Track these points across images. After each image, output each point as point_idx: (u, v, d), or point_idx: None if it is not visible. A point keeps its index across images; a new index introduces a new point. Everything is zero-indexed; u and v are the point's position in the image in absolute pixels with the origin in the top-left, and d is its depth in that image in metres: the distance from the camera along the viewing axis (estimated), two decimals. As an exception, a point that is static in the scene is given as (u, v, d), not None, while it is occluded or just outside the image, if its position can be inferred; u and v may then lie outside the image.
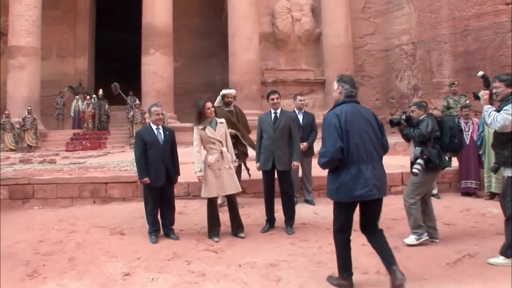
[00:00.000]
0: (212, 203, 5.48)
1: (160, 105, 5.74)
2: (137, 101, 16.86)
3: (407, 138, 5.51)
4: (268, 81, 17.59)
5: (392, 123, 5.38)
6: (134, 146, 5.76)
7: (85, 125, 17.67)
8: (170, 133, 5.70)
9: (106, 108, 17.75)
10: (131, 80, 20.58)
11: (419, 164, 5.02)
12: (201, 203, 7.03)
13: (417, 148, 5.20)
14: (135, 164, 9.56)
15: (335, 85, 3.91)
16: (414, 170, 5.01)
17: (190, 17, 22.61)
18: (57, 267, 4.45)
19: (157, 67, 16.50)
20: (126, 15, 22.97)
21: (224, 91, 6.88)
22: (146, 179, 5.42)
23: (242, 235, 5.44)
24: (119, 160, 10.22)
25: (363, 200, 3.72)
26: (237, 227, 5.50)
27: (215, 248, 4.99)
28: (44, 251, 4.94)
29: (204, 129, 5.37)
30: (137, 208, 6.67)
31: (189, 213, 6.65)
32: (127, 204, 7.21)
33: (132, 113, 16.06)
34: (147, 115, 15.66)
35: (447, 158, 8.50)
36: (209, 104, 5.44)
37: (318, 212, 6.68)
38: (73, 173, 7.99)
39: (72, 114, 18.91)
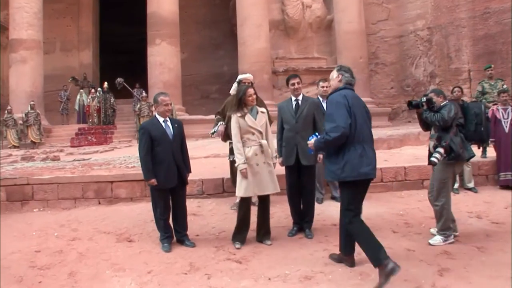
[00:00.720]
0: (246, 204, 4.76)
1: (167, 94, 5.02)
2: (144, 93, 16.25)
3: (425, 124, 4.94)
4: (279, 70, 16.97)
5: (410, 104, 4.82)
6: (138, 142, 4.98)
7: (90, 120, 17.21)
8: (179, 126, 4.97)
9: (112, 101, 17.23)
10: (137, 73, 20.08)
11: (439, 152, 4.47)
12: (217, 203, 6.40)
13: (433, 134, 4.71)
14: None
15: (335, 73, 4.00)
16: (433, 159, 4.48)
17: (196, 6, 21.97)
18: (55, 285, 3.78)
19: (163, 58, 15.91)
20: (131, 7, 22.33)
21: (240, 76, 6.20)
22: (153, 181, 4.70)
23: (268, 242, 4.73)
24: (126, 156, 9.58)
25: (367, 178, 3.81)
26: (264, 233, 4.79)
27: (238, 257, 4.30)
28: (41, 263, 4.26)
29: (243, 116, 4.67)
30: (146, 210, 5.99)
31: (204, 214, 5.94)
32: (135, 204, 6.50)
33: (139, 105, 15.54)
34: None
35: (481, 149, 7.92)
36: (251, 91, 4.73)
37: (348, 210, 5.96)
38: (76, 171, 7.31)
39: (76, 108, 18.43)
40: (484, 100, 9.00)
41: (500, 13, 15.47)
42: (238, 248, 4.58)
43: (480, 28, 16.10)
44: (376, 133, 11.17)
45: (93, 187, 6.66)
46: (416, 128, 12.34)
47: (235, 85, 6.24)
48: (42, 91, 16.40)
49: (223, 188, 6.72)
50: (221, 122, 6.07)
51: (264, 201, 4.81)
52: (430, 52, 17.79)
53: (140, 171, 6.83)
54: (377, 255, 3.57)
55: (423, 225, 5.33)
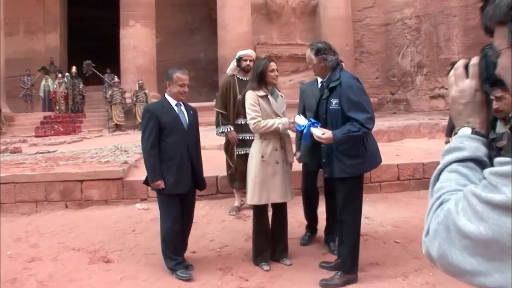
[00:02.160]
0: (263, 213, 3.73)
1: (186, 72, 3.84)
2: (116, 79, 15.05)
3: None
4: (261, 56, 15.91)
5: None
6: (142, 130, 3.83)
7: (57, 107, 16.01)
8: (194, 114, 3.86)
9: (81, 87, 15.98)
10: (108, 60, 18.74)
11: None
12: (211, 206, 5.35)
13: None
14: (117, 151, 7.82)
15: (314, 58, 3.43)
16: None
17: (172, -11, 20.68)
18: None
19: (138, 41, 14.81)
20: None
21: (240, 53, 5.17)
22: (159, 183, 3.54)
23: (288, 262, 3.70)
24: (97, 148, 8.39)
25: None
26: (281, 250, 3.76)
27: (254, 284, 3.23)
28: (-14, 299, 3.15)
29: (265, 97, 3.64)
30: (125, 216, 4.90)
31: (198, 221, 4.78)
32: (111, 209, 5.31)
33: (110, 92, 14.39)
34: (128, 94, 13.92)
35: None
36: (273, 65, 3.68)
37: (369, 215, 4.95)
38: (38, 167, 6.06)
39: (41, 94, 17.00)
40: None
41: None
42: (267, 270, 3.55)
43: (472, 18, 15.44)
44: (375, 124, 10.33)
45: (59, 187, 5.44)
46: (414, 120, 11.57)
47: (233, 64, 5.25)
48: (3, 76, 15.12)
49: (217, 188, 5.65)
50: (229, 127, 5.03)
51: (280, 210, 3.78)
52: (418, 41, 17.18)
53: (116, 168, 5.79)
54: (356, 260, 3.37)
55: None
